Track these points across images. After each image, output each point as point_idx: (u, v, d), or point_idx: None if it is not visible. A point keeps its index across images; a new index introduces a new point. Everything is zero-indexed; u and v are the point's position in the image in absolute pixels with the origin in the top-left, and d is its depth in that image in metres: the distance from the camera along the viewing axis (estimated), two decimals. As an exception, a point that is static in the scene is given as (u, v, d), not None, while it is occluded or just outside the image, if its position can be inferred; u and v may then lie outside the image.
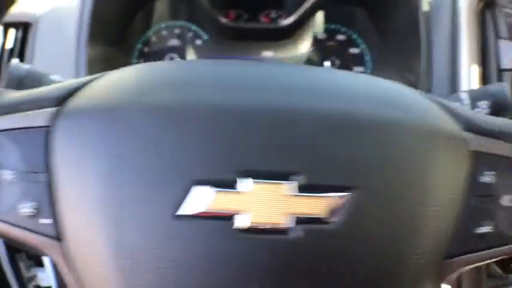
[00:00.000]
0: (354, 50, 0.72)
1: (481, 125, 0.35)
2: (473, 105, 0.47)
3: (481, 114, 0.37)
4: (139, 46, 0.78)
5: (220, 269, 0.27)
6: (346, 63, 0.71)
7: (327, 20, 0.73)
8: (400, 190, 0.30)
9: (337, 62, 0.71)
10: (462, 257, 0.33)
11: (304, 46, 0.72)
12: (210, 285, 0.28)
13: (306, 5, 0.66)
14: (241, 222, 0.28)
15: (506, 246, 0.34)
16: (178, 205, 0.28)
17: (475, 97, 0.47)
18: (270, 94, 0.30)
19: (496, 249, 0.34)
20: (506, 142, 0.34)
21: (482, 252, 0.34)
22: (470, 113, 0.36)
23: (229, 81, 0.32)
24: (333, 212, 0.28)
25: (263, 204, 0.28)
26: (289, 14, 0.69)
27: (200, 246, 0.27)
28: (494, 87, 0.48)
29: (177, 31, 0.78)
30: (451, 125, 0.34)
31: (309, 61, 0.72)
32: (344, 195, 0.28)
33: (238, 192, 0.28)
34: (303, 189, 0.28)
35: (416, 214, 0.31)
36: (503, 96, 0.47)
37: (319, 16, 0.73)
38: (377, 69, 0.70)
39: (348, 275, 0.29)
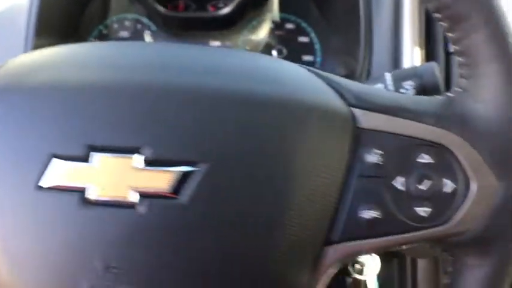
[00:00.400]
0: (303, 39, 0.70)
1: (370, 100, 0.32)
2: (398, 86, 0.45)
3: (376, 89, 0.34)
4: (90, 39, 0.77)
5: (72, 240, 0.28)
6: (295, 52, 0.69)
7: (276, 8, 0.71)
8: (259, 168, 0.28)
9: (285, 51, 0.69)
10: (347, 243, 0.31)
11: (261, 33, 0.71)
12: (63, 255, 0.28)
13: None
14: (91, 195, 0.28)
15: (401, 235, 0.31)
16: (39, 177, 0.28)
17: (400, 77, 0.45)
18: (129, 72, 0.30)
19: (390, 237, 0.31)
20: (398, 118, 0.32)
21: (373, 240, 0.31)
22: (361, 88, 0.33)
23: (102, 60, 0.32)
24: (178, 186, 0.27)
25: (111, 178, 0.28)
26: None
27: (56, 216, 0.28)
28: (422, 67, 0.46)
29: (127, 24, 0.77)
30: (335, 101, 0.32)
31: (268, 47, 0.71)
32: (190, 170, 0.27)
33: (89, 166, 0.28)
34: (150, 163, 0.28)
35: (281, 195, 0.28)
36: (432, 76, 0.45)
37: (275, 3, 0.71)
38: (326, 58, 0.68)
39: (194, 252, 0.27)
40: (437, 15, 0.32)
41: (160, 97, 0.29)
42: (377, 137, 0.31)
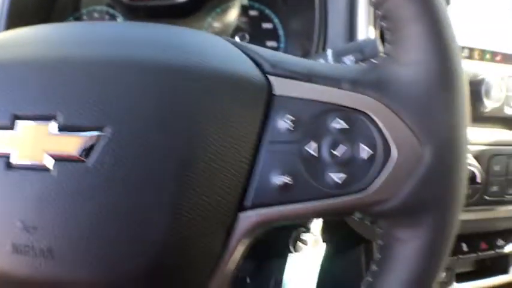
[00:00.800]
0: (266, 25, 0.70)
1: (286, 68, 0.32)
2: (338, 61, 0.45)
3: (294, 57, 0.34)
4: None
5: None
6: (259, 38, 0.70)
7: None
8: (163, 134, 0.29)
9: (247, 37, 0.69)
10: (259, 210, 0.31)
11: (228, 19, 0.71)
12: None
13: None
14: (13, 159, 0.30)
15: (315, 202, 0.31)
16: None
17: (341, 52, 0.45)
18: (47, 48, 0.32)
19: (305, 204, 0.31)
20: (313, 84, 0.32)
21: (286, 207, 0.31)
22: (278, 56, 0.33)
23: (27, 39, 0.34)
24: (86, 150, 0.29)
25: (30, 143, 0.30)
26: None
27: None
28: (364, 41, 0.46)
29: (96, 15, 0.78)
30: (249, 69, 0.32)
31: (241, 29, 0.71)
32: (97, 135, 0.29)
33: (14, 133, 0.30)
34: (63, 129, 0.29)
35: (186, 161, 0.29)
36: (373, 50, 0.45)
37: None
38: (289, 43, 0.68)
39: (100, 214, 0.28)
40: None
41: (73, 69, 0.30)
42: (290, 103, 0.31)
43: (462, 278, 0.70)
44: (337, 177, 0.31)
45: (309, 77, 0.32)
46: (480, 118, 0.59)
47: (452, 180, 0.31)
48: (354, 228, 0.57)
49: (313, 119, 0.31)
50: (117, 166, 0.28)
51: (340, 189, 0.31)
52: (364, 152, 0.31)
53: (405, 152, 0.31)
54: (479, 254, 0.68)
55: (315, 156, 0.31)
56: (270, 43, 0.70)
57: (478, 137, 0.60)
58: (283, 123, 0.31)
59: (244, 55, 0.33)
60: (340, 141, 0.31)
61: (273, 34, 0.70)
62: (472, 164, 0.57)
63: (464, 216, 0.61)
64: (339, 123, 0.31)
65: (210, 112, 0.30)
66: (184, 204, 0.29)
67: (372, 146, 0.31)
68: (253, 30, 0.71)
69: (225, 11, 0.72)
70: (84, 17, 0.78)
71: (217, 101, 0.30)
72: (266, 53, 0.33)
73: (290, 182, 0.30)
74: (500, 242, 0.69)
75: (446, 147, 0.31)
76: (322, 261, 0.58)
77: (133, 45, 0.31)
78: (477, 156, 0.58)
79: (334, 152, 0.31)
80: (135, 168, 0.28)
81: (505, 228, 0.70)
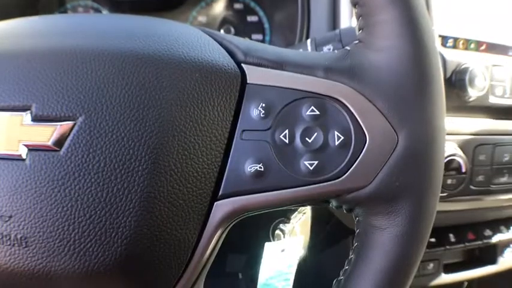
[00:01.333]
0: (252, 18, 0.70)
1: (259, 56, 0.32)
2: (317, 50, 0.45)
3: (267, 45, 0.34)
4: None
5: None
6: (244, 31, 0.69)
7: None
8: (132, 123, 0.29)
9: (233, 30, 0.69)
10: (233, 199, 0.30)
11: (214, 11, 0.71)
12: None
13: None
14: None
15: (289, 190, 0.30)
16: None
17: (320, 42, 0.45)
18: (20, 42, 0.32)
19: (278, 192, 0.30)
20: (286, 71, 0.31)
21: (260, 195, 0.30)
22: (252, 45, 0.33)
23: (3, 32, 0.34)
24: (58, 140, 0.29)
25: (6, 133, 0.30)
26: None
27: None
28: (342, 30, 0.46)
29: (81, 10, 0.77)
30: (222, 58, 0.31)
31: (226, 22, 0.71)
32: (69, 124, 0.29)
33: None
34: (36, 120, 0.29)
35: (156, 150, 0.29)
36: (351, 39, 0.45)
37: None
38: (275, 36, 0.68)
39: (76, 203, 0.28)
40: None
41: (45, 61, 0.30)
42: (263, 92, 0.31)
43: (450, 268, 0.70)
44: (310, 164, 0.30)
45: (281, 65, 0.31)
46: (464, 107, 0.59)
47: (428, 167, 0.31)
48: (339, 219, 0.57)
49: (285, 107, 0.31)
50: (89, 155, 0.28)
51: (313, 176, 0.30)
52: (338, 139, 0.31)
53: (379, 138, 0.30)
54: (467, 244, 0.68)
55: (288, 144, 0.31)
56: (255, 36, 0.70)
57: (462, 127, 0.59)
58: (256, 111, 0.31)
59: (216, 44, 0.32)
60: (313, 129, 0.31)
61: (258, 27, 0.70)
62: (456, 154, 0.57)
63: (451, 206, 0.62)
64: (312, 111, 0.31)
65: (180, 100, 0.29)
66: (155, 192, 0.29)
67: (345, 133, 0.31)
68: (238, 23, 0.70)
69: (210, 4, 0.72)
70: (70, 11, 0.78)
71: (186, 88, 0.30)
72: (239, 41, 0.33)
73: (262, 170, 0.30)
74: (487, 232, 0.69)
75: (421, 133, 0.31)
76: (310, 252, 0.58)
77: (102, 36, 0.31)
78: (462, 146, 0.58)
79: (307, 140, 0.31)
80: (107, 156, 0.28)
81: (493, 218, 0.70)
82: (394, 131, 0.30)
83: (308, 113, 0.31)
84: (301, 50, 0.45)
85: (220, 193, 0.30)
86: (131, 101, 0.29)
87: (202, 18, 0.72)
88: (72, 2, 0.78)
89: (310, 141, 0.31)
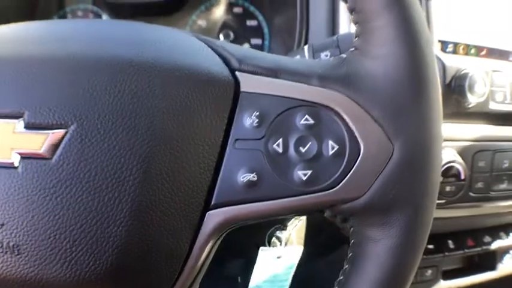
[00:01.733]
0: (251, 23, 0.70)
1: (253, 63, 0.31)
2: (315, 57, 0.45)
3: (262, 53, 0.33)
4: None
5: None
6: (243, 35, 0.69)
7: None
8: (124, 131, 0.28)
9: (232, 35, 0.69)
10: (225, 209, 0.30)
11: (214, 16, 0.71)
12: None
13: None
14: None
15: (282, 200, 0.30)
16: None
17: (318, 49, 0.45)
18: (12, 48, 0.32)
19: (272, 202, 0.30)
20: (280, 79, 0.31)
21: (253, 205, 0.30)
22: (246, 52, 0.32)
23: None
24: (50, 148, 0.29)
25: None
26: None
27: None
28: (340, 36, 0.45)
29: (80, 14, 0.77)
30: (216, 65, 0.31)
31: (226, 26, 0.70)
32: (61, 133, 0.28)
33: None
34: (29, 127, 0.29)
35: (148, 159, 0.28)
36: (349, 45, 0.44)
37: None
38: (274, 40, 0.68)
39: (67, 212, 0.28)
40: None
41: (38, 68, 0.30)
42: (257, 100, 0.30)
43: (449, 275, 0.69)
44: (304, 174, 0.30)
45: (276, 73, 0.31)
46: (464, 113, 0.58)
47: (423, 177, 0.30)
48: (337, 227, 0.57)
49: (279, 116, 0.30)
50: (80, 163, 0.28)
51: (307, 186, 0.30)
52: (332, 148, 0.30)
53: (374, 148, 0.30)
54: (466, 251, 0.68)
55: (281, 153, 0.30)
56: (254, 40, 0.69)
57: (462, 133, 0.59)
58: (249, 119, 0.30)
59: (211, 51, 0.32)
60: (307, 138, 0.30)
61: (257, 31, 0.70)
62: (456, 161, 0.57)
63: (450, 213, 0.61)
64: (306, 120, 0.30)
65: (172, 108, 0.29)
66: (147, 201, 0.28)
67: (340, 142, 0.30)
68: (238, 27, 0.70)
69: (209, 8, 0.72)
70: (69, 16, 0.78)
71: (179, 96, 0.29)
72: (233, 48, 0.33)
73: (255, 179, 0.30)
74: (487, 238, 0.69)
75: (417, 143, 0.30)
76: (307, 260, 0.58)
77: (95, 43, 0.31)
78: (461, 152, 0.58)
79: (301, 149, 0.30)
80: (98, 165, 0.28)
81: (492, 224, 0.70)
82: (390, 140, 0.30)
83: (302, 121, 0.30)
84: (298, 56, 0.45)
85: (212, 203, 0.30)
86: (123, 109, 0.29)
87: (201, 23, 0.71)
88: (71, 5, 0.78)
89: (304, 150, 0.30)
